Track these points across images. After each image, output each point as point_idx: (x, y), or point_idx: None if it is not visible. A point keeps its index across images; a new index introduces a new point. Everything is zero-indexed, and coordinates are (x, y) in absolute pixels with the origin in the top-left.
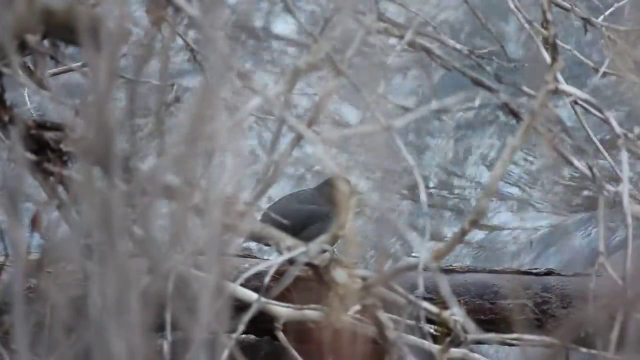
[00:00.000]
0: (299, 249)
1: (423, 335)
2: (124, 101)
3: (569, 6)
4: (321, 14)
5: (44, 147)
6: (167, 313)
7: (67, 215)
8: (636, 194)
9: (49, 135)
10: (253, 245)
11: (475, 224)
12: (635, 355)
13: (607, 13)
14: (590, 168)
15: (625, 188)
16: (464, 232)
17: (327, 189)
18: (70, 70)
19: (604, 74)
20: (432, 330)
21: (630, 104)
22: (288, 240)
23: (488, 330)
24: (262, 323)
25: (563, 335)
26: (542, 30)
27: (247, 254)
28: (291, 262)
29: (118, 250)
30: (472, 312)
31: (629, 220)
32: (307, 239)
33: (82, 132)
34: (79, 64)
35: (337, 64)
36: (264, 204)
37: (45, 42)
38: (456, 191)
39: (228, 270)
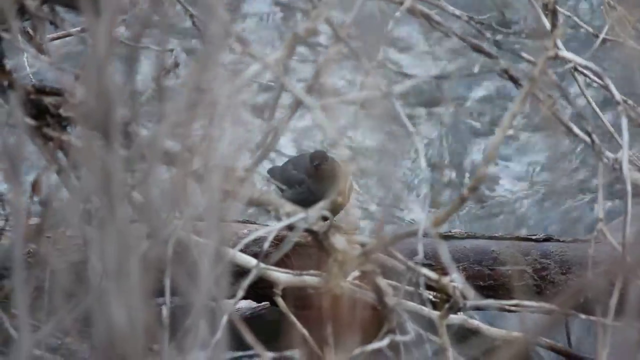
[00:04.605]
0: (298, 215)
1: (422, 302)
2: (123, 66)
3: None
4: None
5: (44, 112)
6: (166, 279)
7: (67, 180)
8: (635, 161)
9: (48, 100)
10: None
11: (474, 190)
12: (634, 321)
13: None
14: (589, 134)
15: (624, 155)
16: (463, 199)
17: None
18: (69, 35)
19: (604, 41)
20: (431, 297)
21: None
22: (287, 206)
23: (487, 297)
24: (262, 289)
25: (562, 301)
26: None
27: (246, 220)
28: (290, 228)
29: (118, 216)
30: (471, 278)
31: (629, 187)
32: None
33: (81, 98)
34: (78, 29)
35: (337, 30)
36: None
37: (45, 7)
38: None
39: (227, 236)
